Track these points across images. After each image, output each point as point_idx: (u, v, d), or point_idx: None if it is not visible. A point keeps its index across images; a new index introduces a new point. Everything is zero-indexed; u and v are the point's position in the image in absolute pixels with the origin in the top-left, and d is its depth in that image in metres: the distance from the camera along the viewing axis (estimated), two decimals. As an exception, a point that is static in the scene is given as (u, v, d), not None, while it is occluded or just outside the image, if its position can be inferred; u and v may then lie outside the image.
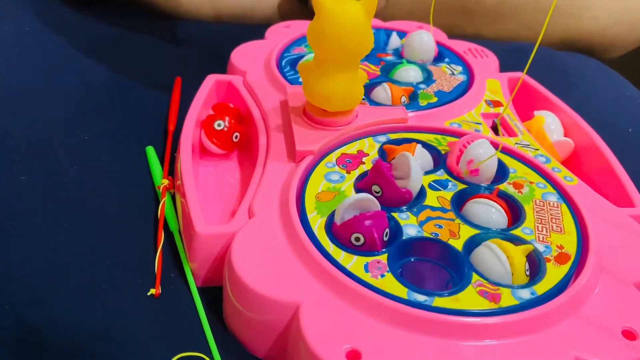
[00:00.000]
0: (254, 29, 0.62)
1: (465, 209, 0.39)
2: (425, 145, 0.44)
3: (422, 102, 0.49)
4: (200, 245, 0.37)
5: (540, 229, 0.38)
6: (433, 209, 0.38)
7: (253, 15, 0.69)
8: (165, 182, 0.44)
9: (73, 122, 0.50)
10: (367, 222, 0.35)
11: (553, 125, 0.49)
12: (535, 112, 0.50)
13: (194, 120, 0.46)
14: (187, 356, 0.34)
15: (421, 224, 0.37)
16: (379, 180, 0.39)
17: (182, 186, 0.40)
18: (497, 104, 0.50)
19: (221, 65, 0.55)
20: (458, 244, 0.36)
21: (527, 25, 0.72)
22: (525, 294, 0.33)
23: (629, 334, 0.32)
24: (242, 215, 0.38)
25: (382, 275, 0.34)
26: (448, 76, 0.54)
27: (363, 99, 0.48)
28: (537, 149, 0.45)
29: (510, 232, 0.37)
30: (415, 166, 0.38)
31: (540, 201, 0.40)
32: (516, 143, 0.45)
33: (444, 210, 0.38)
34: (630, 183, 0.43)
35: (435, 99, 0.50)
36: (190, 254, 0.39)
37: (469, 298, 0.33)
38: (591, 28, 0.73)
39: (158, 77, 0.57)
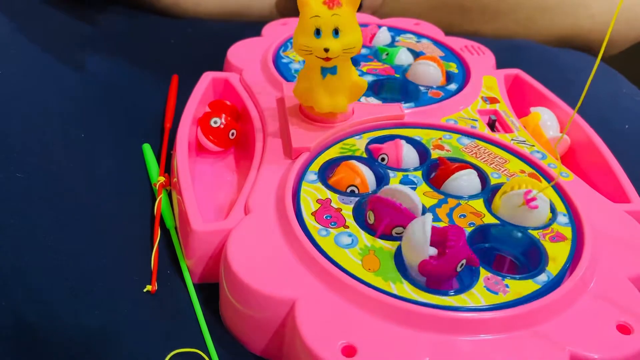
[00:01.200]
0: (250, 26, 0.62)
1: (447, 190, 0.40)
2: (360, 158, 0.42)
3: (455, 71, 0.53)
4: (197, 242, 0.37)
5: (496, 167, 0.41)
6: (438, 206, 0.38)
7: (250, 13, 0.69)
8: (162, 179, 0.44)
9: (69, 119, 0.50)
10: (466, 246, 0.34)
11: (549, 122, 0.49)
12: (532, 109, 0.50)
13: (191, 118, 0.46)
14: (183, 352, 0.34)
15: (452, 223, 0.37)
16: (401, 220, 0.36)
17: (178, 183, 0.41)
18: (493, 100, 0.50)
19: (218, 62, 0.55)
20: (490, 219, 0.37)
21: (525, 22, 0.72)
22: (565, 219, 0.38)
23: (623, 329, 0.32)
24: (238, 212, 0.38)
25: (507, 287, 0.33)
26: (419, 44, 0.57)
27: (430, 87, 0.50)
28: (533, 145, 0.45)
29: (492, 184, 0.40)
30: (414, 195, 0.37)
31: (464, 148, 0.43)
32: (512, 139, 0.45)
33: (444, 201, 0.39)
34: (626, 179, 0.43)
35: (453, 65, 0.54)
36: (187, 250, 0.39)
37: (557, 251, 0.35)
38: (589, 25, 0.73)
39: (155, 74, 0.57)
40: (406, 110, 0.47)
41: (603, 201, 0.41)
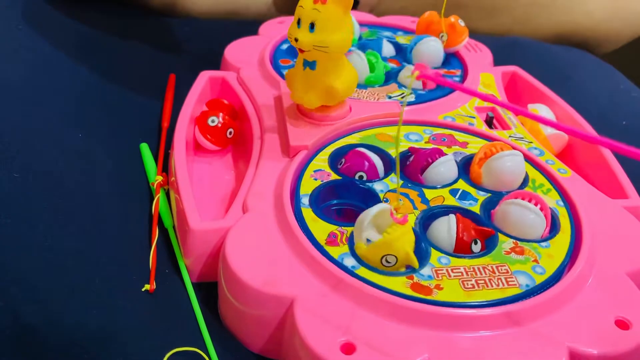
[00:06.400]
0: (247, 25, 0.62)
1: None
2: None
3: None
4: (195, 241, 0.37)
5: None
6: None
7: (247, 12, 0.69)
8: (160, 178, 0.44)
9: (67, 119, 0.50)
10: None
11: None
12: (529, 106, 0.50)
13: (188, 117, 0.46)
14: (182, 351, 0.34)
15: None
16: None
17: (176, 182, 0.40)
18: (490, 97, 0.50)
19: (215, 61, 0.55)
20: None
21: (521, 19, 0.72)
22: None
23: (622, 324, 0.32)
24: (237, 211, 0.38)
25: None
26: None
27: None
28: (531, 142, 0.45)
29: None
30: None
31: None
32: (510, 136, 0.45)
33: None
34: (624, 175, 0.44)
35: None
36: (185, 249, 0.39)
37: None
38: (585, 22, 0.73)
39: (152, 74, 0.57)
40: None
41: (601, 197, 0.41)
